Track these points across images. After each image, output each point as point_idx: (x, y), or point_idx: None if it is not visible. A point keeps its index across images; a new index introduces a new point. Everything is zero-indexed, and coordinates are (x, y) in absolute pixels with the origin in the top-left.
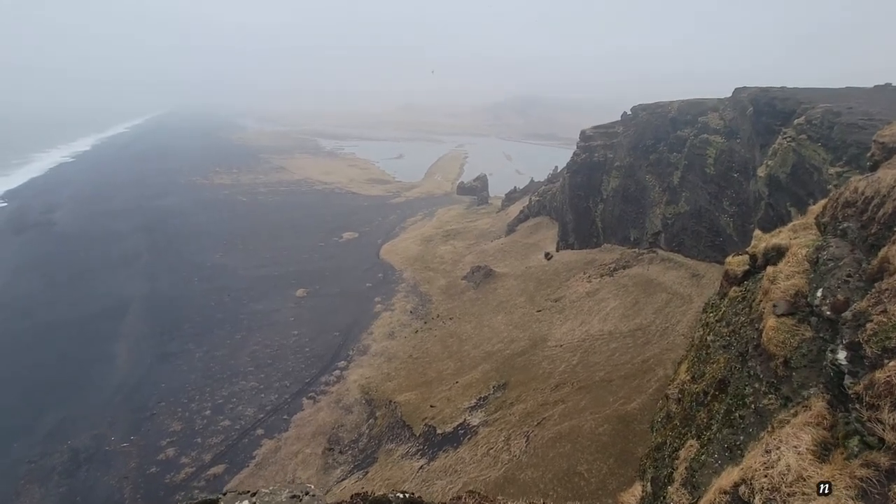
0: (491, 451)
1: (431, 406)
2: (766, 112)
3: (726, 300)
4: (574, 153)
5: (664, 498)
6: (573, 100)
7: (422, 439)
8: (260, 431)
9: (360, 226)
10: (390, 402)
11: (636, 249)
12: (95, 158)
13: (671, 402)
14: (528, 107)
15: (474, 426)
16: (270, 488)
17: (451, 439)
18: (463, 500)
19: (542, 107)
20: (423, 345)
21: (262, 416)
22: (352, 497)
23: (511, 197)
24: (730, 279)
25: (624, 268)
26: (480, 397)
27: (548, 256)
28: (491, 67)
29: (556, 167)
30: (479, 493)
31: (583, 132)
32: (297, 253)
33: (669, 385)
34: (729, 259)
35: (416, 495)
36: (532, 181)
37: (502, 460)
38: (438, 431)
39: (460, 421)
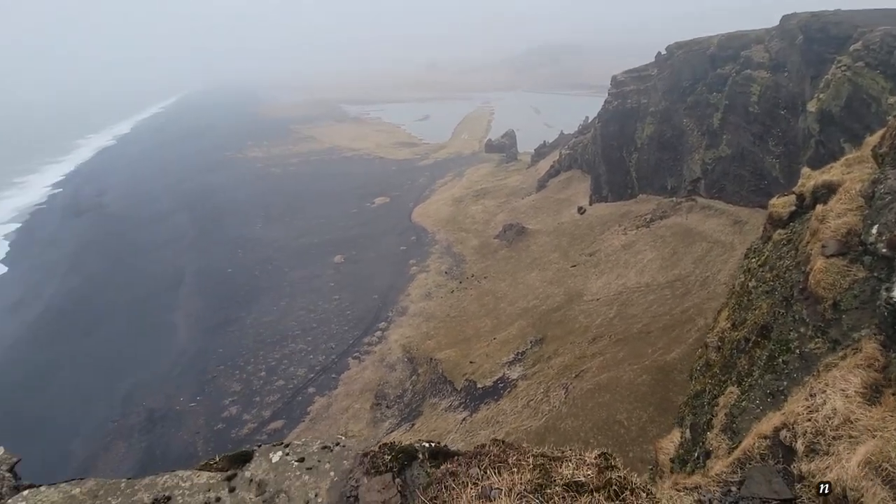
0: (531, 402)
1: (471, 362)
2: (818, 39)
3: (770, 244)
4: (605, 101)
5: (703, 443)
6: (604, 43)
7: (463, 393)
8: (311, 389)
9: (391, 190)
10: (431, 359)
11: (674, 199)
12: (135, 140)
13: (710, 349)
14: (556, 55)
15: (513, 380)
16: (302, 440)
17: (491, 393)
18: (487, 447)
19: (571, 53)
20: (460, 304)
21: (312, 375)
22: (380, 447)
23: (540, 152)
24: (774, 222)
25: (661, 218)
26: (518, 352)
27: (581, 211)
28: (513, 19)
29: (587, 117)
30: (503, 441)
31: (614, 78)
32: (332, 220)
33: (709, 333)
34: (773, 200)
35: (443, 444)
36: (562, 134)
37: (542, 411)
38: (479, 385)
39: (499, 375)
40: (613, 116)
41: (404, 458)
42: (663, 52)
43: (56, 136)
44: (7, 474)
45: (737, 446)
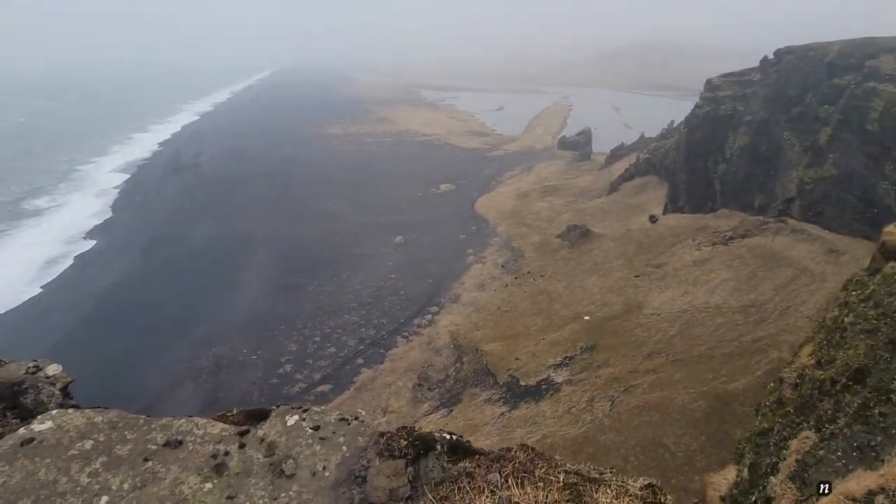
0: (572, 409)
1: (516, 358)
2: None
3: (878, 277)
4: (696, 105)
5: (764, 487)
6: (703, 45)
7: (504, 388)
8: (360, 361)
9: (457, 178)
10: (476, 349)
11: (760, 217)
12: (231, 109)
13: (786, 386)
14: (646, 53)
15: (557, 383)
16: (322, 408)
17: (533, 392)
18: (513, 452)
19: (664, 53)
20: (512, 299)
21: (362, 347)
22: (397, 429)
23: (616, 153)
24: (887, 253)
25: (742, 237)
26: (566, 356)
27: (652, 219)
28: (602, 15)
29: (672, 121)
30: (532, 448)
31: (709, 81)
32: (397, 202)
33: (786, 368)
34: (888, 228)
35: (465, 439)
36: (642, 137)
37: (583, 420)
38: (521, 383)
39: (544, 376)
40: (703, 123)
41: (421, 446)
42: (770, 56)
43: (163, 101)
44: (57, 392)
45: (807, 499)
